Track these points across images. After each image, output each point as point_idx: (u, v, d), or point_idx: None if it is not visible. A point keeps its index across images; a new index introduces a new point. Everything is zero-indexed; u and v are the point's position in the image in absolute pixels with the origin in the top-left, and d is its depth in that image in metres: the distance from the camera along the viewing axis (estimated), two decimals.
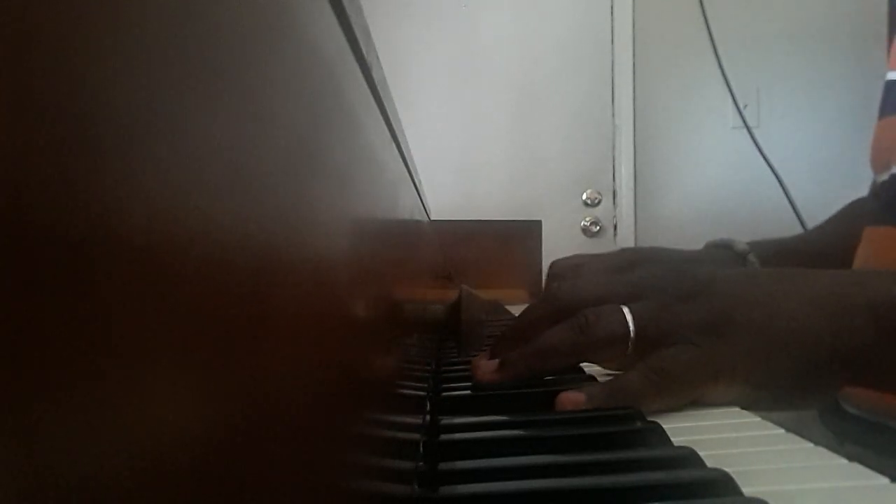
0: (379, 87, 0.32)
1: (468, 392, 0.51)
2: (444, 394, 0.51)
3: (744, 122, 2.04)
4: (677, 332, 0.44)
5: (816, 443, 0.37)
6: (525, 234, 1.48)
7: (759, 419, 0.43)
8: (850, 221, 0.78)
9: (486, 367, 0.47)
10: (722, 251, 0.75)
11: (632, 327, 0.45)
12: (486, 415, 0.43)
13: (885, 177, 0.70)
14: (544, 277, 1.22)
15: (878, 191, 0.76)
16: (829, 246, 0.77)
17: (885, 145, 0.71)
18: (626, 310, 0.45)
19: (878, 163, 0.73)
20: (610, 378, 0.46)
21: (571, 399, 0.43)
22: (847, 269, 0.51)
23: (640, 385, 0.43)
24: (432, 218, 0.99)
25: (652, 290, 0.47)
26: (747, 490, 0.29)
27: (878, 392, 0.66)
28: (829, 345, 0.43)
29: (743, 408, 0.45)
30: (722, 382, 0.43)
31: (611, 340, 0.45)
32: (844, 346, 0.43)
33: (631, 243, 2.02)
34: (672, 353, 0.43)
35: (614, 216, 2.07)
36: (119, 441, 0.08)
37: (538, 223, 1.50)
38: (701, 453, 0.34)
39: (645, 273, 0.52)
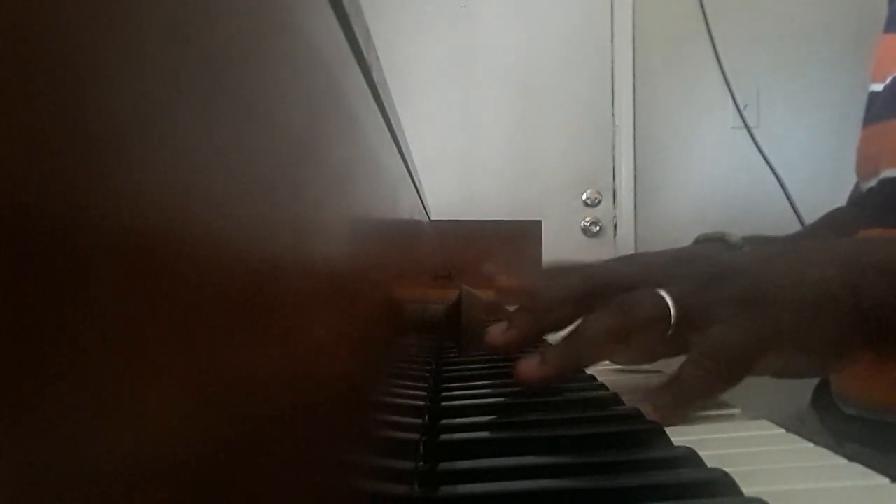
0: (379, 87, 0.32)
1: (468, 393, 0.51)
2: (444, 394, 0.50)
3: (744, 122, 2.04)
4: (716, 312, 0.43)
5: (816, 443, 0.37)
6: (525, 234, 1.48)
7: (759, 419, 0.43)
8: (833, 229, 0.79)
9: (529, 364, 0.45)
10: (715, 245, 0.74)
11: (672, 308, 0.44)
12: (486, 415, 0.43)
13: (872, 183, 0.71)
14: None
15: (858, 197, 0.77)
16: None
17: (872, 152, 0.72)
18: (663, 292, 0.44)
19: (864, 170, 0.74)
20: (663, 378, 0.45)
21: (651, 409, 0.42)
22: (858, 237, 0.51)
23: (698, 374, 0.42)
24: (432, 218, 0.99)
25: (680, 274, 0.46)
26: (747, 490, 0.29)
27: (870, 386, 0.66)
28: (852, 302, 0.44)
29: (784, 377, 0.45)
30: (771, 353, 0.43)
31: (652, 322, 0.44)
32: (864, 302, 0.44)
33: (631, 243, 2.02)
34: (718, 334, 0.43)
35: (614, 216, 2.07)
36: (120, 441, 0.08)
37: (538, 223, 1.50)
38: (701, 453, 0.34)
39: (667, 259, 0.50)
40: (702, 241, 0.77)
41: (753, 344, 0.43)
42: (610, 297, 0.46)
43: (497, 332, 0.48)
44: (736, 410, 0.45)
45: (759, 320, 0.43)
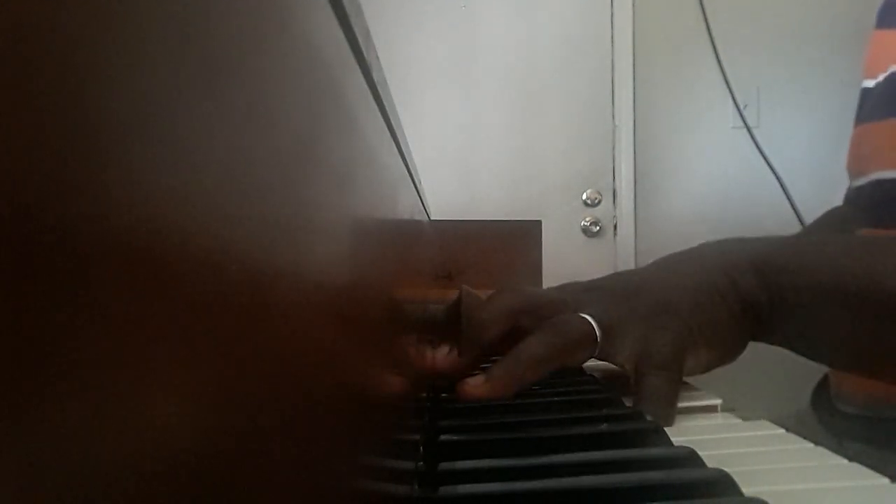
0: (379, 87, 0.32)
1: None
2: (444, 394, 0.50)
3: (744, 122, 2.04)
4: (635, 327, 0.49)
5: (816, 443, 0.37)
6: (525, 234, 1.48)
7: (759, 419, 0.43)
8: (831, 228, 0.80)
9: (473, 383, 0.47)
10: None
11: (596, 328, 0.49)
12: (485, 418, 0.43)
13: (862, 182, 0.71)
14: (544, 277, 1.22)
15: (853, 196, 0.77)
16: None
17: (864, 152, 0.72)
18: (585, 315, 0.50)
19: (855, 168, 0.74)
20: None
21: (472, 387, 0.46)
22: (729, 238, 0.59)
23: (659, 383, 0.47)
24: (432, 218, 0.99)
25: (592, 298, 0.52)
26: (747, 490, 0.29)
27: (866, 383, 0.66)
28: (735, 297, 0.51)
29: (704, 371, 0.52)
30: (690, 352, 0.50)
31: (582, 341, 0.49)
32: (743, 296, 0.51)
33: (631, 243, 2.02)
34: (653, 345, 0.49)
35: (614, 216, 2.07)
36: (120, 441, 0.08)
37: (538, 223, 1.50)
38: (701, 453, 0.34)
39: (590, 285, 0.56)
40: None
41: (680, 345, 0.49)
42: (538, 317, 0.51)
43: (446, 365, 0.52)
44: (717, 401, 0.47)
45: (673, 325, 0.49)
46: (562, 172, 2.06)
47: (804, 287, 0.50)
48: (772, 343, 0.54)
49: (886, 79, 0.71)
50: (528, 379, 0.48)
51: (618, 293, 0.52)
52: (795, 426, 0.40)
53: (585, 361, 0.51)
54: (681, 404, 0.48)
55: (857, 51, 0.79)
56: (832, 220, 0.85)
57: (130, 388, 0.08)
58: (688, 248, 0.57)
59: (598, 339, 0.49)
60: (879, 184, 0.68)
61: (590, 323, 0.49)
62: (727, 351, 0.52)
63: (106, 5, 0.08)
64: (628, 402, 0.47)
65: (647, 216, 2.05)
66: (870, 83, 0.75)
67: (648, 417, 0.43)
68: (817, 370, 0.83)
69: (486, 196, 2.03)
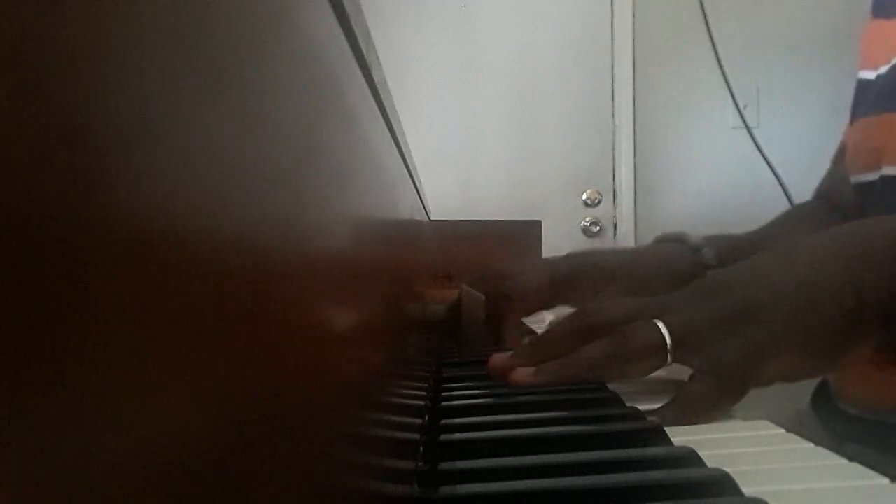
0: (379, 87, 0.32)
1: (468, 393, 0.51)
2: (444, 394, 0.51)
3: (744, 122, 2.04)
4: (710, 334, 0.46)
5: (816, 443, 0.37)
6: (525, 234, 1.48)
7: (759, 419, 0.43)
8: (794, 225, 0.79)
9: (523, 372, 0.49)
10: (673, 245, 0.75)
11: (667, 337, 0.46)
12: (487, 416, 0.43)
13: (870, 177, 0.69)
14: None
15: (829, 190, 0.77)
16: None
17: (872, 145, 0.69)
18: (659, 323, 0.47)
19: (860, 163, 0.71)
20: (671, 395, 0.47)
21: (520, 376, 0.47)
22: (846, 224, 0.52)
23: (702, 388, 0.45)
24: (432, 218, 0.99)
25: (675, 304, 0.49)
26: (747, 490, 0.29)
27: (870, 385, 0.66)
28: (854, 291, 0.45)
29: (793, 380, 0.47)
30: (771, 361, 0.45)
31: (650, 351, 0.46)
32: (871, 288, 0.45)
33: (631, 243, 2.02)
34: (716, 352, 0.45)
35: (614, 216, 2.07)
36: (120, 441, 0.08)
37: (538, 223, 1.50)
38: (701, 453, 0.34)
39: (626, 258, 0.54)
40: (661, 240, 0.78)
41: (748, 356, 0.45)
42: (573, 289, 0.52)
43: (523, 375, 0.51)
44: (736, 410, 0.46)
45: (750, 333, 0.45)
46: (562, 172, 2.06)
47: None
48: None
49: (891, 70, 0.68)
50: (578, 380, 0.49)
51: (705, 297, 0.48)
52: (795, 426, 0.40)
53: (656, 370, 0.48)
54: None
55: (857, 51, 0.78)
56: (796, 217, 0.83)
57: (132, 388, 0.08)
58: (819, 232, 0.51)
59: (669, 349, 0.46)
60: (891, 180, 0.66)
61: (660, 332, 0.47)
62: (829, 359, 0.47)
63: (107, 6, 0.08)
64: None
65: (647, 216, 2.05)
66: (869, 74, 0.72)
67: (651, 417, 0.43)
68: None
69: (486, 196, 2.03)
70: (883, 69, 0.70)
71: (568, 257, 0.73)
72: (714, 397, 0.45)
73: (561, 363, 0.48)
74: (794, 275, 0.47)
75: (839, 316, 0.45)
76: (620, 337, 0.47)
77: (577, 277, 0.70)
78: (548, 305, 0.73)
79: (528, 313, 0.73)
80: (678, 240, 0.75)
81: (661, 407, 0.45)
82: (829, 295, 0.45)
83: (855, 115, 0.74)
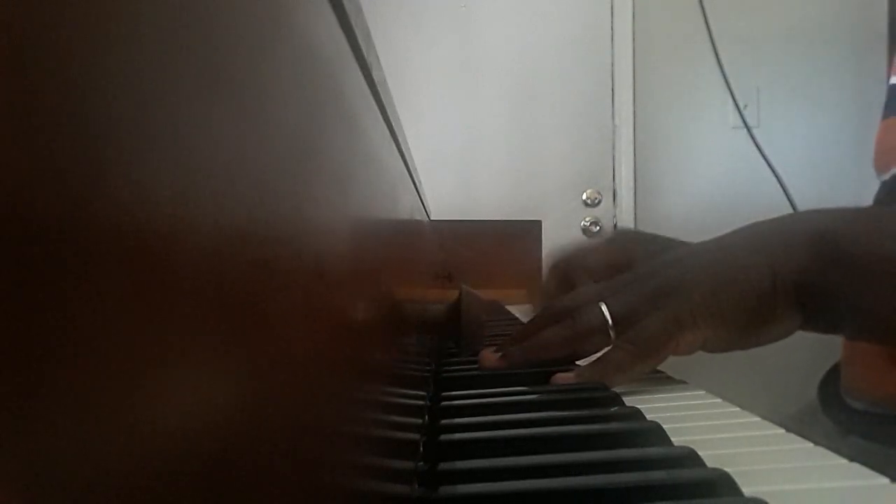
0: (379, 87, 0.32)
1: (468, 393, 0.51)
2: (444, 393, 0.51)
3: (744, 122, 2.04)
4: (642, 308, 0.51)
5: (820, 438, 0.37)
6: (525, 234, 1.48)
7: (759, 419, 0.43)
8: None
9: (490, 356, 0.56)
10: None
11: (608, 317, 0.52)
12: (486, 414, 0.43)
13: (886, 176, 0.71)
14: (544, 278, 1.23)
15: (880, 192, 0.77)
16: None
17: (891, 145, 0.72)
18: (602, 305, 0.53)
19: (880, 163, 0.74)
20: (590, 358, 0.53)
21: (563, 377, 0.50)
22: (791, 212, 0.58)
23: (620, 354, 0.50)
24: (432, 218, 0.99)
25: (618, 288, 0.54)
26: (747, 490, 0.29)
27: (882, 384, 0.66)
28: (771, 273, 0.50)
29: (714, 351, 0.52)
30: (687, 331, 0.50)
31: (593, 329, 0.52)
32: (786, 272, 0.50)
33: None
34: (641, 323, 0.51)
35: (614, 216, 2.06)
36: (120, 441, 0.08)
37: (538, 223, 1.50)
38: (701, 453, 0.34)
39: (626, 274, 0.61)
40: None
41: (665, 326, 0.50)
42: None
43: (490, 359, 0.58)
44: (736, 410, 0.46)
45: (671, 306, 0.50)
46: (562, 172, 2.06)
47: (876, 254, 0.49)
48: (818, 329, 0.53)
49: None
50: (538, 363, 0.54)
51: (640, 279, 0.54)
52: (801, 419, 0.41)
53: (603, 348, 0.53)
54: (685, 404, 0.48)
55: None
56: None
57: (131, 388, 0.08)
58: (771, 217, 0.56)
59: (611, 326, 0.52)
60: None
61: (603, 313, 0.52)
62: (746, 333, 0.52)
63: (106, 6, 0.08)
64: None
65: (647, 216, 2.05)
66: None
67: (567, 373, 0.49)
68: (823, 362, 0.83)
69: (486, 196, 2.03)
70: None
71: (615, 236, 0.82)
72: (628, 363, 0.50)
73: (521, 346, 0.55)
74: (716, 256, 0.53)
75: (754, 292, 0.50)
76: (570, 320, 0.53)
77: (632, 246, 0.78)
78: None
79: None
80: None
81: (583, 366, 0.51)
82: (746, 273, 0.51)
83: (885, 116, 0.77)
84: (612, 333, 0.52)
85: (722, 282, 0.51)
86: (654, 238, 0.79)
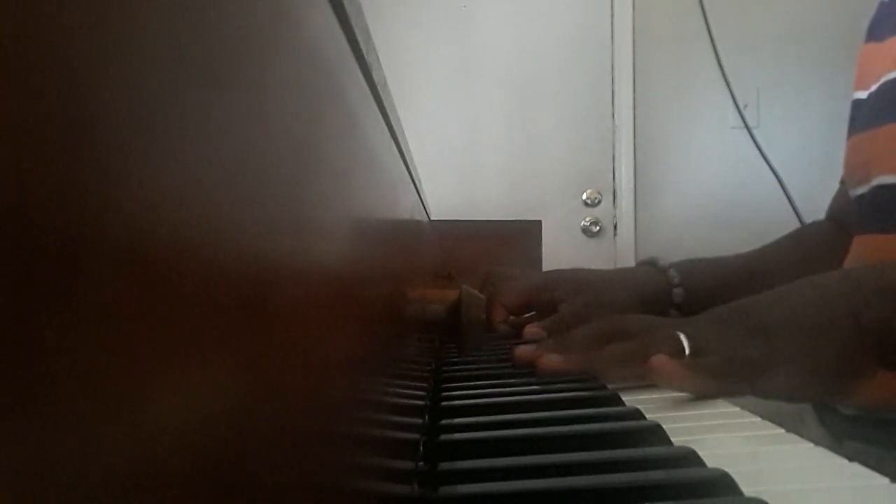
0: (379, 87, 0.32)
1: (468, 393, 0.51)
2: (444, 393, 0.51)
3: (744, 122, 2.04)
4: (725, 347, 0.51)
5: (816, 443, 0.37)
6: (525, 234, 1.48)
7: (758, 419, 0.43)
8: (799, 243, 0.87)
9: (553, 359, 0.55)
10: (646, 267, 0.85)
11: (686, 345, 0.51)
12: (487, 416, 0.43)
13: (863, 189, 0.72)
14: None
15: (838, 211, 0.82)
16: (764, 263, 0.85)
17: (862, 160, 0.72)
18: (680, 333, 0.52)
19: (854, 177, 0.75)
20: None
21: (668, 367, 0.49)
22: (842, 269, 0.58)
23: (720, 366, 0.49)
24: (432, 218, 0.99)
25: (694, 323, 0.54)
26: (747, 490, 0.29)
27: (871, 388, 0.67)
28: (855, 326, 0.50)
29: (799, 400, 0.54)
30: (774, 374, 0.49)
31: (670, 355, 0.50)
32: (867, 324, 0.50)
33: (631, 243, 2.02)
34: (725, 356, 0.50)
35: (614, 216, 2.06)
36: (121, 441, 0.08)
37: (538, 223, 1.50)
38: (701, 453, 0.34)
39: (612, 277, 0.61)
40: (639, 265, 0.89)
41: (756, 363, 0.49)
42: (553, 291, 0.66)
43: (553, 362, 0.56)
44: (736, 410, 0.46)
45: (759, 347, 0.50)
46: (562, 172, 2.06)
47: None
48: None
49: (879, 88, 0.71)
50: (602, 373, 0.53)
51: (722, 319, 0.54)
52: (795, 426, 0.41)
53: None
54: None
55: (858, 51, 0.79)
56: (803, 237, 0.89)
57: (132, 389, 0.08)
58: (814, 275, 0.57)
59: (688, 356, 0.51)
60: (881, 189, 0.68)
61: (681, 340, 0.52)
62: (829, 381, 0.51)
63: (106, 5, 0.08)
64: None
65: (647, 216, 2.05)
66: (861, 94, 0.76)
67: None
68: None
69: (486, 196, 2.03)
70: (873, 88, 0.73)
71: (548, 272, 0.84)
72: (720, 372, 0.49)
73: (587, 356, 0.53)
74: (804, 305, 0.52)
75: (840, 343, 0.50)
76: (645, 339, 0.52)
77: (552, 286, 0.79)
78: (523, 311, 0.82)
79: (512, 314, 0.83)
80: (649, 263, 0.85)
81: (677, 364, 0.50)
82: (833, 325, 0.50)
83: (850, 134, 0.77)
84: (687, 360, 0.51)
85: (810, 331, 0.50)
86: (576, 275, 0.82)
